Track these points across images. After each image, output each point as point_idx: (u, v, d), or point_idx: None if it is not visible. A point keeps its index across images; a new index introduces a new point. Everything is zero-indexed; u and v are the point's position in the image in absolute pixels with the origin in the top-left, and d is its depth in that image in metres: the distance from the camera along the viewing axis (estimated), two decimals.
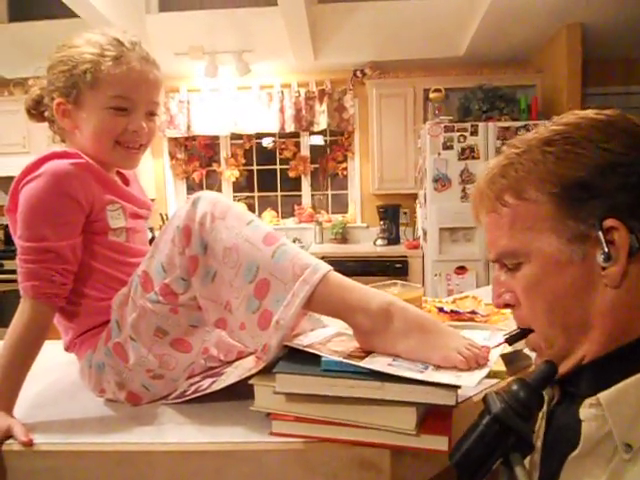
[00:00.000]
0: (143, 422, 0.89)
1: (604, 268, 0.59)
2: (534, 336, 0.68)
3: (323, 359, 0.75)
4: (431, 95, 4.23)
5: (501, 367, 0.74)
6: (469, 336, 0.82)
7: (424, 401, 0.72)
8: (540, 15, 3.59)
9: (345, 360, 0.75)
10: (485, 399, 0.64)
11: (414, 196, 4.52)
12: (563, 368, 0.64)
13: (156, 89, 1.03)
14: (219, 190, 5.03)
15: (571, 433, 0.61)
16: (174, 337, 0.91)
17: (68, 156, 0.94)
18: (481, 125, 3.75)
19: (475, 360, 0.75)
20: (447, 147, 3.76)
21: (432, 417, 0.75)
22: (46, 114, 1.04)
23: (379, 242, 4.59)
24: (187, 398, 0.93)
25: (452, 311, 1.37)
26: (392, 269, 4.21)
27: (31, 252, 0.90)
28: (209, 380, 0.96)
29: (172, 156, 5.01)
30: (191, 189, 5.13)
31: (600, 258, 0.59)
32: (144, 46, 1.02)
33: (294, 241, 4.78)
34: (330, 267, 0.82)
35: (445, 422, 0.75)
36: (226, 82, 4.61)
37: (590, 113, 0.64)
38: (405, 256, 4.26)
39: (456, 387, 0.71)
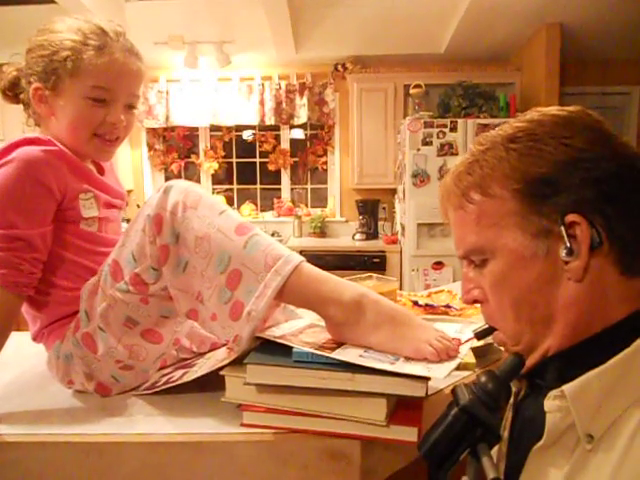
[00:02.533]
0: (112, 413, 0.87)
1: (567, 262, 0.59)
2: (500, 332, 0.68)
3: (294, 350, 0.75)
4: (411, 91, 4.23)
5: (471, 359, 0.75)
6: (441, 328, 0.83)
7: (394, 392, 0.72)
8: (520, 14, 3.62)
9: (316, 351, 0.75)
10: (454, 391, 0.64)
11: (393, 191, 4.54)
12: (530, 361, 0.65)
13: (138, 82, 1.01)
14: (197, 182, 4.98)
15: (536, 424, 0.62)
16: (144, 327, 0.90)
17: (40, 142, 0.92)
18: (460, 121, 3.78)
19: (446, 352, 0.75)
20: (426, 143, 3.78)
21: (402, 408, 0.76)
22: (22, 97, 1.01)
23: (358, 237, 4.60)
24: (158, 389, 0.92)
25: (426, 305, 1.38)
26: (370, 264, 4.22)
27: (0, 240, 0.88)
28: (180, 371, 0.95)
29: (150, 147, 4.95)
30: (169, 180, 5.06)
31: (563, 253, 0.59)
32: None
33: (272, 234, 4.77)
34: (302, 258, 0.82)
35: (415, 413, 0.75)
36: (206, 73, 4.56)
37: (553, 110, 0.65)
38: (383, 251, 4.27)
39: (426, 379, 0.71)
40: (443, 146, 3.77)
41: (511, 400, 0.70)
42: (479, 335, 0.72)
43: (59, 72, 0.94)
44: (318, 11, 3.96)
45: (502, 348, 0.71)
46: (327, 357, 0.74)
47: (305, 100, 4.64)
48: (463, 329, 0.87)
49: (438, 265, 3.88)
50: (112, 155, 1.04)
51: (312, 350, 0.75)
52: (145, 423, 0.83)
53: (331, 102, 4.69)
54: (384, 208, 4.75)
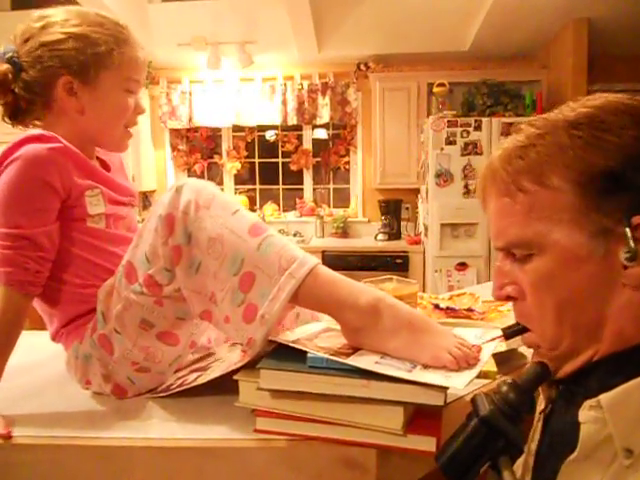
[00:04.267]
0: (126, 416, 0.86)
1: (626, 267, 0.55)
2: (533, 334, 0.64)
3: (309, 355, 0.73)
4: (435, 89, 4.19)
5: (492, 367, 0.72)
6: (461, 334, 0.80)
7: (411, 401, 0.69)
8: (546, 10, 3.55)
9: (331, 357, 0.72)
10: (473, 400, 0.62)
11: (416, 191, 4.49)
12: (569, 367, 0.61)
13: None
14: (220, 183, 5.01)
15: (569, 436, 0.58)
16: (160, 330, 0.89)
17: (45, 140, 0.90)
18: (485, 120, 3.72)
19: (465, 360, 0.72)
20: (450, 142, 3.73)
21: (421, 417, 0.73)
22: (16, 90, 0.96)
23: (380, 237, 4.56)
24: (172, 392, 0.91)
25: (448, 308, 1.35)
26: (393, 264, 4.18)
27: (6, 238, 0.87)
28: (195, 374, 0.94)
29: (173, 147, 4.99)
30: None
31: (624, 256, 0.54)
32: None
33: (295, 235, 4.77)
34: (318, 260, 0.79)
35: (434, 422, 0.73)
36: (229, 74, 4.58)
37: (623, 97, 0.59)
38: (406, 251, 4.23)
39: (444, 388, 0.68)
40: (467, 145, 3.72)
41: (539, 409, 0.67)
42: (509, 335, 0.68)
43: (97, 65, 0.95)
44: (340, 10, 3.95)
45: (529, 352, 0.67)
46: (342, 363, 0.72)
47: (327, 100, 4.62)
48: (484, 334, 0.84)
49: (462, 266, 3.83)
50: (128, 145, 1.08)
51: (327, 356, 0.73)
52: (158, 428, 0.82)
53: (353, 102, 4.67)
54: (407, 208, 4.71)
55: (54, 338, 1.01)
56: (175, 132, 4.95)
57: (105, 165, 1.09)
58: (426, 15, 3.90)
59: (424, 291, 3.85)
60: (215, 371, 0.88)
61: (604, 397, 0.54)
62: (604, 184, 0.55)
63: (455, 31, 4.10)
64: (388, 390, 0.69)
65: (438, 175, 3.75)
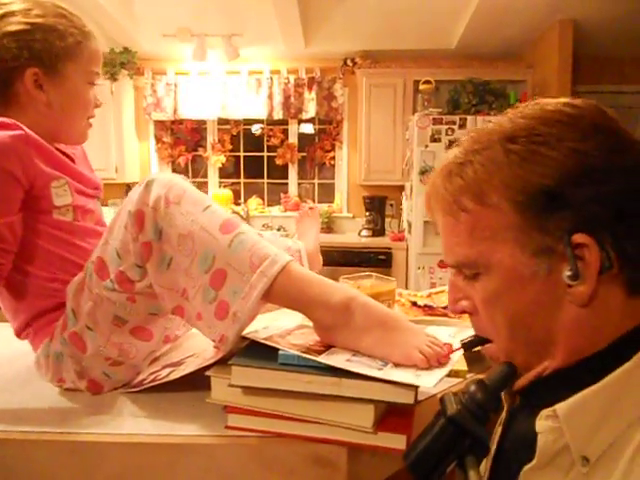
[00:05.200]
0: (98, 412, 0.85)
1: (570, 285, 0.54)
2: (493, 346, 0.64)
3: (280, 353, 0.73)
4: (421, 87, 4.20)
5: (463, 366, 0.72)
6: (434, 333, 0.80)
7: (382, 399, 0.69)
8: (533, 10, 3.57)
9: (302, 354, 0.72)
10: (442, 400, 0.62)
11: (401, 188, 4.50)
12: (522, 380, 0.62)
13: None
14: (205, 176, 4.98)
15: (528, 443, 0.58)
16: (133, 325, 0.88)
17: (6, 127, 0.87)
18: (470, 118, 3.74)
19: (436, 359, 0.72)
20: (435, 139, 3.75)
21: (392, 415, 0.73)
22: None
23: (364, 233, 4.57)
24: (145, 387, 0.90)
25: (425, 305, 1.36)
26: (376, 260, 4.19)
27: None
28: (168, 369, 0.93)
29: (158, 139, 4.94)
30: (177, 174, 5.05)
31: (566, 275, 0.53)
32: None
33: (279, 229, 4.75)
34: (290, 258, 0.79)
35: (405, 420, 0.73)
36: (214, 66, 4.54)
37: (560, 104, 0.57)
38: (389, 248, 4.24)
39: (414, 386, 0.68)
40: (452, 143, 3.71)
41: (502, 415, 0.67)
42: (467, 346, 0.69)
43: (65, 57, 0.94)
44: (328, 4, 3.93)
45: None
46: (314, 361, 0.72)
47: (314, 95, 4.61)
48: (457, 333, 0.84)
49: (444, 264, 3.82)
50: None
51: (298, 353, 0.73)
52: (129, 423, 0.81)
53: (340, 97, 4.66)
54: (391, 205, 4.72)
55: (19, 334, 0.99)
56: (160, 124, 4.90)
57: (68, 157, 1.04)
58: (414, 13, 3.90)
59: (407, 288, 3.86)
60: (189, 366, 0.88)
61: (560, 407, 0.54)
62: (543, 202, 0.53)
63: (442, 29, 4.10)
64: (359, 388, 0.69)
65: (422, 172, 3.76)
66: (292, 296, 0.78)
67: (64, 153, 1.01)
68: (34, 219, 0.91)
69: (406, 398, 0.69)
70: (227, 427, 0.77)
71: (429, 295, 1.48)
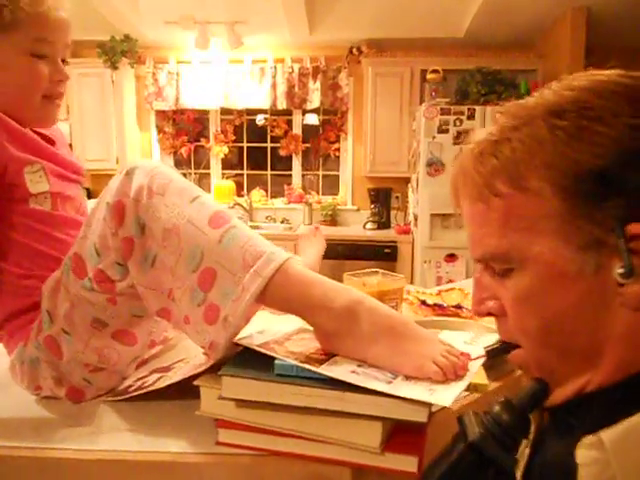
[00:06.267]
0: (75, 423, 0.78)
1: (622, 285, 0.46)
2: (521, 352, 0.55)
3: (277, 362, 0.65)
4: (428, 76, 4.09)
5: (483, 380, 0.64)
6: (448, 339, 0.72)
7: (391, 416, 0.61)
8: None
9: (301, 365, 0.64)
10: (460, 420, 0.54)
11: (407, 180, 4.40)
12: (558, 396, 0.53)
13: (70, 31, 0.90)
14: (207, 167, 4.89)
15: (563, 472, 0.49)
16: (115, 329, 0.80)
17: None
18: (478, 109, 3.63)
19: (452, 370, 0.64)
20: (442, 130, 3.64)
21: (401, 432, 0.65)
22: None
23: (369, 226, 4.48)
24: (131, 395, 0.82)
25: (435, 304, 1.27)
26: (381, 254, 4.10)
27: None
28: (156, 375, 0.85)
29: (160, 130, 4.85)
30: (179, 164, 4.97)
31: (618, 272, 0.45)
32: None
33: (282, 221, 4.67)
34: (289, 255, 0.70)
35: (416, 439, 0.65)
36: (217, 55, 4.44)
37: (613, 75, 0.49)
38: (395, 241, 4.15)
39: (428, 404, 0.60)
40: (460, 134, 3.63)
41: (530, 435, 0.59)
42: (491, 354, 0.61)
43: None
44: None
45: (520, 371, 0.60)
46: (314, 372, 0.63)
47: (318, 84, 4.50)
48: (475, 339, 0.76)
49: (451, 257, 3.76)
50: (57, 119, 0.94)
51: (297, 363, 0.64)
52: (109, 438, 0.73)
53: (345, 87, 4.55)
54: (397, 197, 4.62)
55: None
56: (161, 114, 4.80)
57: (47, 139, 0.95)
58: (421, 0, 3.79)
59: (412, 282, 3.78)
60: (177, 374, 0.80)
61: (606, 435, 0.45)
62: (593, 187, 0.46)
63: (451, 17, 3.98)
64: (365, 404, 0.62)
65: (429, 164, 3.67)
66: (290, 299, 0.69)
67: (42, 135, 0.93)
68: (7, 209, 0.83)
69: (419, 416, 0.61)
70: (218, 443, 0.70)
71: (439, 293, 1.39)
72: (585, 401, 0.51)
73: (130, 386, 0.85)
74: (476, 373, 0.65)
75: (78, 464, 0.70)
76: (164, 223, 0.70)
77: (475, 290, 0.57)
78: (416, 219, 3.92)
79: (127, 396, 0.82)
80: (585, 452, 0.47)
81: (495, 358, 0.61)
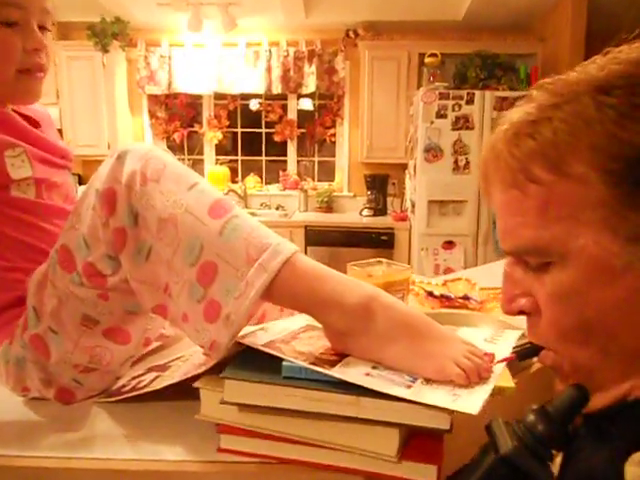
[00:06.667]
0: (66, 429, 0.72)
1: None
2: (552, 353, 0.51)
3: (284, 364, 0.60)
4: (426, 60, 4.02)
5: (508, 382, 0.59)
6: (468, 337, 0.66)
7: (409, 423, 0.56)
8: None
9: (311, 366, 0.59)
10: (489, 429, 0.49)
11: (404, 166, 4.33)
12: (597, 401, 0.48)
13: None
14: (200, 153, 4.81)
15: None
16: (107, 326, 0.74)
17: None
18: (477, 93, 3.57)
19: (476, 373, 0.59)
20: (441, 115, 3.58)
21: (418, 439, 0.60)
22: None
23: (365, 212, 4.42)
24: (125, 396, 0.77)
25: (442, 295, 1.22)
26: (378, 241, 4.06)
27: None
28: (152, 374, 0.80)
29: (152, 114, 4.76)
30: (172, 150, 4.87)
31: None
32: None
33: (277, 208, 4.61)
34: (296, 248, 0.64)
35: (434, 446, 0.60)
36: (211, 37, 4.34)
37: None
38: (392, 228, 4.10)
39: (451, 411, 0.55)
40: (458, 119, 3.57)
41: None
42: (522, 356, 0.56)
43: None
44: None
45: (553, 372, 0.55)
46: (325, 374, 0.58)
47: (314, 68, 4.42)
48: (495, 337, 0.71)
49: (449, 245, 3.72)
50: (41, 94, 0.84)
51: (306, 365, 0.59)
52: (102, 445, 0.68)
53: (341, 71, 4.47)
54: (394, 184, 4.56)
55: None
56: (153, 98, 4.70)
57: (31, 121, 0.88)
58: None
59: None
60: (175, 374, 0.74)
61: None
62: None
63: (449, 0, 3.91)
64: (381, 409, 0.56)
65: (427, 150, 3.61)
66: (298, 295, 0.64)
67: (25, 117, 0.86)
68: None
69: (440, 423, 0.56)
70: (220, 450, 0.64)
71: (444, 283, 1.35)
72: (628, 409, 0.47)
73: (124, 386, 0.80)
74: (500, 375, 0.60)
75: (70, 474, 0.64)
76: (159, 212, 0.64)
77: (505, 286, 0.52)
78: (413, 206, 3.87)
79: (121, 397, 0.77)
80: (634, 470, 0.42)
81: (523, 360, 0.56)
